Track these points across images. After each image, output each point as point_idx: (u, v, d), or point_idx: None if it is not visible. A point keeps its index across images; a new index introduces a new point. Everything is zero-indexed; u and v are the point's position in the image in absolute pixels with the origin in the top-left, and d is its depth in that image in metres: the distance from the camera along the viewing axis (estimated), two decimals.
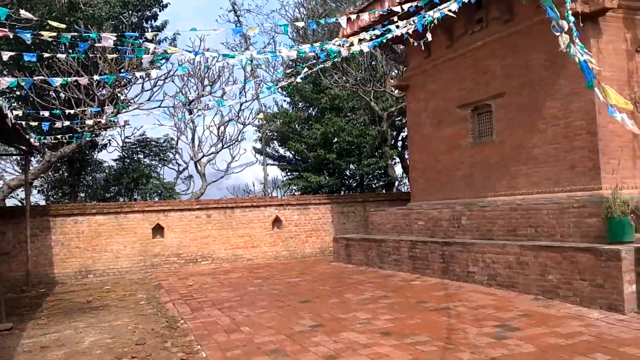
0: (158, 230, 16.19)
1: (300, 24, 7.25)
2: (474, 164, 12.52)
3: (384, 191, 24.10)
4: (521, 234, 10.12)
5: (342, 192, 23.84)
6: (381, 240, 13.38)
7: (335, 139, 22.80)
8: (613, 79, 9.84)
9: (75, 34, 6.85)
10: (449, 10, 8.55)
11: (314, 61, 11.62)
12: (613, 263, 7.69)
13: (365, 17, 9.01)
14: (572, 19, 6.82)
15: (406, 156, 23.77)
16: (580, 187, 9.96)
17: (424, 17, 8.59)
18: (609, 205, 8.45)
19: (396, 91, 21.81)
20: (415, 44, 10.59)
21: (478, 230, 11.09)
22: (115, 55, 8.21)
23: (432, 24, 8.99)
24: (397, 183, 24.64)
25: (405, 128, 23.34)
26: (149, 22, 21.40)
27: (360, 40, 7.86)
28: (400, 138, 24.63)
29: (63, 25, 6.23)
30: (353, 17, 8.33)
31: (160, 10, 21.34)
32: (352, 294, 10.25)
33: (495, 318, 7.70)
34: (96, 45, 7.36)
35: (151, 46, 6.60)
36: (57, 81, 8.70)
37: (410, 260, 12.08)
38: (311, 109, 25.20)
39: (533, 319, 7.56)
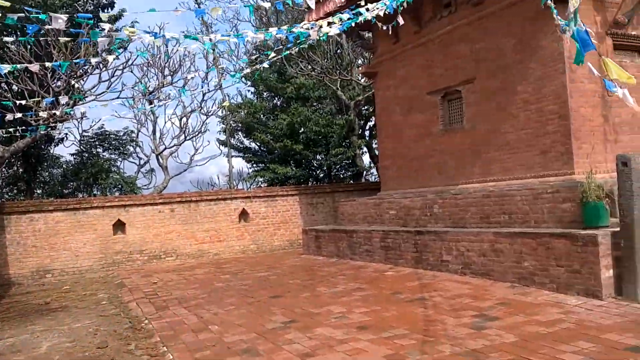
0: (119, 226, 15.60)
1: (267, 4, 6.86)
2: (445, 151, 12.34)
3: (352, 181, 23.87)
4: (494, 221, 9.97)
5: (310, 183, 23.52)
6: (352, 231, 13.12)
7: (302, 129, 22.44)
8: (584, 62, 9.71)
9: (22, 14, 6.29)
10: None
11: (281, 47, 11.23)
12: (590, 248, 7.58)
13: None
14: None
15: (374, 145, 23.61)
16: (553, 172, 9.86)
17: (395, 0, 8.29)
18: (583, 189, 8.34)
19: (363, 79, 21.55)
20: (384, 27, 10.27)
21: (451, 219, 10.91)
22: (67, 39, 7.65)
23: (402, 7, 8.70)
24: (364, 173, 24.45)
25: (373, 117, 23.17)
26: (105, 11, 20.57)
27: (329, 23, 7.51)
28: (367, 127, 24.41)
29: (7, 4, 5.68)
30: None
31: None
32: (324, 287, 9.95)
33: (472, 307, 7.52)
34: (46, 27, 6.80)
35: (106, 26, 6.10)
36: (5, 68, 8.06)
37: (383, 250, 11.84)
38: (276, 98, 24.75)
39: (511, 307, 7.41)
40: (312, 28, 7.22)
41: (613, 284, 7.54)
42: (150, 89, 19.10)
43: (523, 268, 8.58)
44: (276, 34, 7.00)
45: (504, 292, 8.31)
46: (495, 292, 8.35)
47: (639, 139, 10.30)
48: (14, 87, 15.80)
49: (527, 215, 9.44)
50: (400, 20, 9.53)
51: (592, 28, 9.82)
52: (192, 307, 9.04)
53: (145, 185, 23.98)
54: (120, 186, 21.97)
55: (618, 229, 7.69)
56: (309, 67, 21.65)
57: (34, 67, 8.50)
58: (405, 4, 8.58)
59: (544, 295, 7.94)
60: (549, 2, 6.30)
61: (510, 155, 10.68)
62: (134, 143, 23.96)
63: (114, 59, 12.08)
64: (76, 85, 14.60)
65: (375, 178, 24.78)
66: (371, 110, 22.97)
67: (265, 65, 8.99)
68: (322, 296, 9.11)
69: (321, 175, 24.56)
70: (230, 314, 8.26)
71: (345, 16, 7.48)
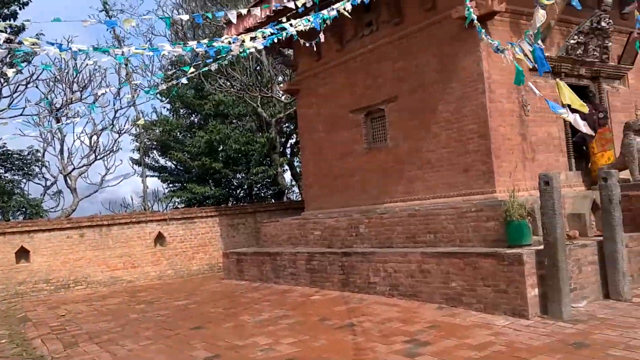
0: (23, 254, 14.35)
1: (185, 17, 6.41)
2: (369, 170, 12.22)
3: (273, 200, 23.48)
4: (421, 241, 9.91)
5: (230, 203, 22.90)
6: (276, 253, 12.70)
7: (221, 147, 21.85)
8: (503, 82, 9.93)
9: None
10: (344, 9, 8.12)
11: (199, 62, 10.74)
12: (516, 267, 7.61)
13: (257, 12, 8.35)
14: (474, 16, 6.67)
15: (296, 163, 23.39)
16: (475, 190, 9.93)
17: (319, 16, 8.08)
18: (507, 208, 8.41)
19: (284, 97, 21.31)
20: (307, 44, 10.06)
21: (377, 239, 10.77)
22: None
23: (325, 24, 8.53)
24: (286, 191, 24.13)
25: (295, 134, 22.97)
26: (7, 21, 19.20)
27: (252, 38, 7.16)
28: (289, 145, 24.20)
29: None
30: (244, 11, 7.65)
31: (20, 9, 19.24)
32: (248, 315, 9.45)
33: (403, 332, 7.33)
34: None
35: (2, 36, 5.42)
36: None
37: (308, 273, 11.50)
38: (194, 115, 24.07)
39: (441, 330, 7.28)
40: (234, 42, 6.84)
41: (538, 302, 7.59)
42: (58, 105, 17.92)
43: (450, 288, 8.52)
44: (196, 47, 6.56)
45: (432, 314, 8.19)
46: (424, 314, 8.22)
47: (554, 157, 10.63)
48: None
49: (452, 234, 9.44)
50: (322, 38, 9.34)
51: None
52: (105, 342, 8.29)
53: (52, 208, 22.45)
54: (24, 209, 20.41)
55: (541, 247, 7.78)
56: (228, 83, 21.17)
57: None
58: (328, 22, 8.42)
59: (472, 316, 7.89)
60: (475, 22, 6.28)
61: (434, 174, 10.71)
62: (40, 163, 22.41)
63: (15, 73, 11.13)
64: None
65: (297, 196, 24.53)
66: (293, 127, 22.78)
67: (184, 81, 8.49)
68: (247, 326, 8.62)
69: (242, 194, 24.01)
70: (146, 350, 7.62)
71: (268, 31, 7.17)
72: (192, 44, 6.64)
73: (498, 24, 10.00)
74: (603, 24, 10.78)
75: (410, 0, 11.09)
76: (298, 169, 23.04)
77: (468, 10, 6.62)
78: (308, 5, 8.70)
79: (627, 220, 8.67)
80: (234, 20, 7.17)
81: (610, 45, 11.21)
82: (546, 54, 10.21)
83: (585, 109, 5.53)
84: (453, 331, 7.18)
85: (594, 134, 9.72)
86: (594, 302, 8.02)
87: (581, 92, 10.92)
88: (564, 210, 8.81)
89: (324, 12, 8.18)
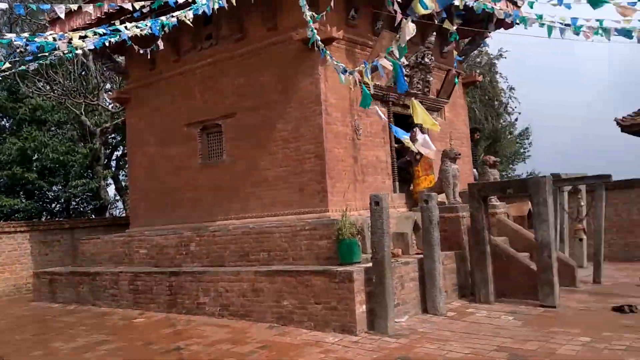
0: None
1: (3, 5, 5.60)
2: (203, 186, 11.83)
3: (94, 215, 21.81)
4: (254, 259, 9.80)
5: (44, 218, 20.81)
6: (95, 273, 11.69)
7: (36, 156, 19.85)
8: (338, 106, 10.31)
9: None
10: (185, 17, 7.84)
11: (16, 60, 9.60)
12: (346, 284, 7.83)
13: (90, 10, 7.66)
14: (317, 37, 6.79)
15: (121, 177, 22.07)
16: (309, 209, 10.08)
17: (157, 22, 7.69)
18: (339, 227, 8.65)
19: (111, 105, 20.04)
20: (141, 51, 9.51)
21: (208, 257, 10.43)
22: None
23: (164, 31, 8.14)
24: (109, 206, 22.58)
25: (121, 146, 21.68)
26: None
27: (82, 37, 6.54)
28: (114, 157, 22.76)
29: None
30: (74, 7, 6.96)
31: None
32: (61, 341, 8.51)
33: (233, 354, 7.15)
34: None
35: None
36: None
37: (131, 294, 10.74)
38: (5, 120, 21.63)
39: (273, 350, 7.21)
40: (60, 39, 6.18)
41: (366, 318, 7.87)
42: None
43: (282, 307, 8.50)
44: (14, 40, 5.79)
45: (264, 334, 8.09)
46: (255, 335, 8.08)
47: (381, 180, 11.22)
48: None
49: (286, 252, 9.47)
50: (161, 45, 8.92)
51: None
52: None
53: None
54: None
55: (370, 264, 8.10)
56: (48, 87, 19.36)
57: None
58: (167, 29, 8.06)
59: (303, 334, 7.93)
60: (319, 43, 6.41)
61: (270, 192, 10.68)
62: None
63: None
64: None
65: (121, 212, 23.11)
66: (120, 139, 21.51)
67: None
68: (59, 354, 7.75)
69: (58, 208, 21.99)
70: None
71: (100, 31, 6.62)
72: (11, 36, 5.86)
73: (335, 50, 10.33)
74: (426, 59, 11.74)
75: (252, 18, 11.07)
76: (124, 183, 21.75)
77: (312, 31, 6.74)
78: (145, 10, 8.30)
79: (442, 240, 9.39)
80: (62, 16, 6.50)
81: (432, 80, 12.23)
82: (377, 83, 10.92)
83: (437, 127, 5.91)
84: (284, 351, 7.14)
85: (431, 158, 10.35)
86: (414, 316, 8.53)
87: (405, 120, 11.72)
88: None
89: (163, 18, 7.82)
